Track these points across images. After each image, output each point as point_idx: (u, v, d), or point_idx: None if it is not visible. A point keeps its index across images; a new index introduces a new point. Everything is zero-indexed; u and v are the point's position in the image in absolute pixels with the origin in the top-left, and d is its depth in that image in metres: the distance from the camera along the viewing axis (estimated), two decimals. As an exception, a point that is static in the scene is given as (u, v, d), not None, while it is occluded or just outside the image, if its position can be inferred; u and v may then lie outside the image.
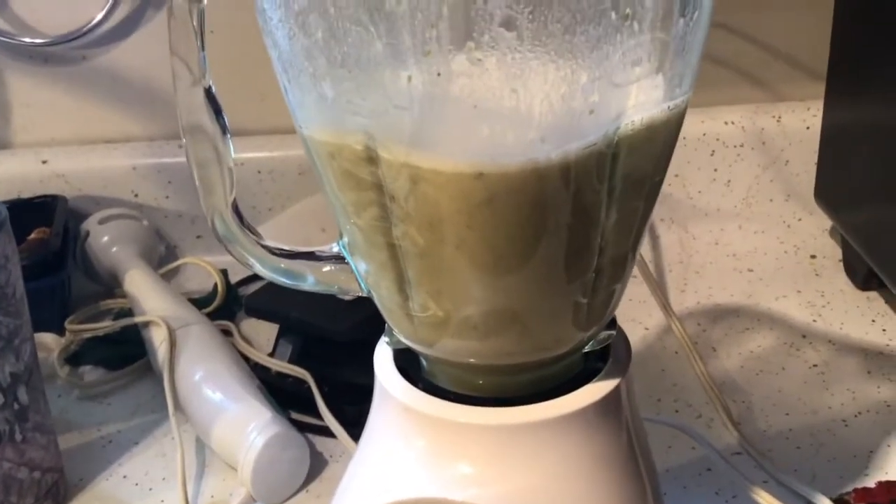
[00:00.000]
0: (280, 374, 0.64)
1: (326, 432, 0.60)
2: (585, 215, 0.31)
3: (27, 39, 0.81)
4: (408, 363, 0.39)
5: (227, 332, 0.71)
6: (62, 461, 0.57)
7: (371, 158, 0.31)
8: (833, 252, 0.79)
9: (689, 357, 0.65)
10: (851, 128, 0.71)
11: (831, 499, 0.51)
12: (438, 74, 0.29)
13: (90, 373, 0.70)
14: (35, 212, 0.78)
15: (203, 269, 0.80)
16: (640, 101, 0.30)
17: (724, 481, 0.55)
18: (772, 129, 0.82)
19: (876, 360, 0.65)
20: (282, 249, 0.38)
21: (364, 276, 0.36)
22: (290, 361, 0.64)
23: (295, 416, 0.62)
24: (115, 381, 0.68)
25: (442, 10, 0.28)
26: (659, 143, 0.32)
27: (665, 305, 0.68)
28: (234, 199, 0.37)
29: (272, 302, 0.64)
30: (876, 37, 0.65)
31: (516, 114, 0.29)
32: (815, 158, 0.78)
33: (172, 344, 0.63)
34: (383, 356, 0.39)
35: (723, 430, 0.58)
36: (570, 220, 0.31)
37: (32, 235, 0.77)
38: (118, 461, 0.60)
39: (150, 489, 0.58)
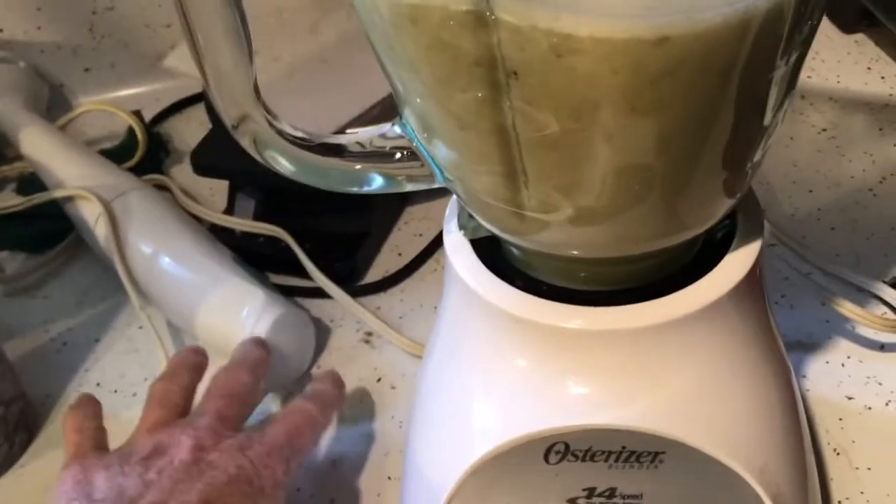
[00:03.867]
0: (247, 235, 0.55)
1: (318, 293, 0.53)
2: (765, 72, 0.23)
3: None
4: (491, 253, 0.31)
5: (161, 188, 0.61)
6: (21, 385, 0.48)
7: (481, 22, 0.22)
8: (804, -8, 0.73)
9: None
10: None
11: (886, 282, 0.48)
12: None
13: (9, 260, 0.59)
14: None
15: (105, 111, 0.67)
16: None
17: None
18: None
19: (884, 115, 0.60)
20: (318, 143, 0.28)
21: (446, 165, 0.28)
22: (256, 218, 0.55)
23: (275, 279, 0.54)
24: (43, 267, 0.58)
25: None
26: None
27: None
28: (256, 79, 0.27)
29: (226, 155, 0.53)
30: None
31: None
32: None
33: (112, 221, 0.52)
34: (460, 250, 0.31)
35: (749, 221, 0.54)
36: (750, 80, 0.23)
37: None
38: (83, 366, 0.51)
39: (135, 394, 0.50)
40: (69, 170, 0.57)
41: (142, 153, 0.62)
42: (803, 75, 0.63)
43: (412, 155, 0.28)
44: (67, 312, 0.55)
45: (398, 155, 0.28)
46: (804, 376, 0.46)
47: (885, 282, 0.49)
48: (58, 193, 0.56)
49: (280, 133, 0.28)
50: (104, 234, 0.53)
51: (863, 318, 0.45)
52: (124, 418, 0.48)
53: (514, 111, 0.23)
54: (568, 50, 0.21)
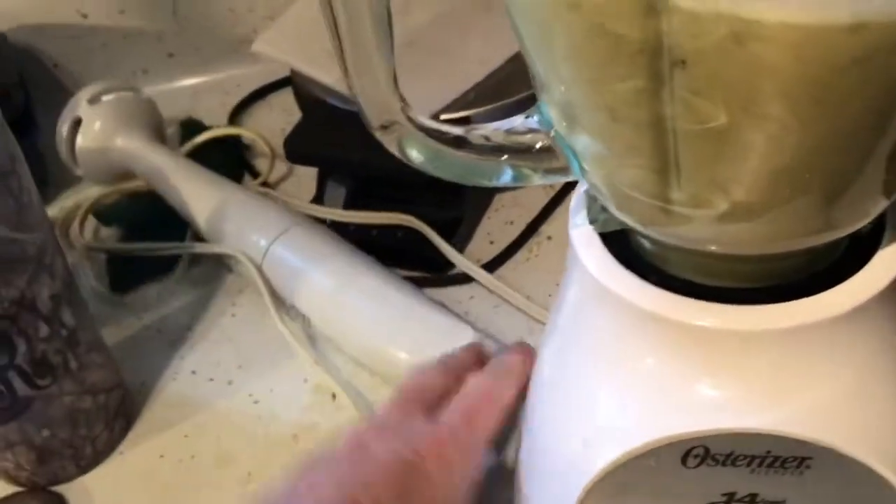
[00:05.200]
0: (384, 232, 0.53)
1: (459, 280, 0.52)
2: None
3: None
4: (621, 246, 0.30)
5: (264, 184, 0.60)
6: (121, 374, 0.48)
7: (651, 9, 0.21)
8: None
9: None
10: None
11: None
12: None
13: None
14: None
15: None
16: None
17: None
18: None
19: None
20: (446, 132, 0.27)
21: (589, 158, 0.26)
22: (346, 206, 0.54)
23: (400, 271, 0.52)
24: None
25: None
26: None
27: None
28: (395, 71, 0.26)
29: (318, 143, 0.53)
30: None
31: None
32: None
33: (265, 280, 0.51)
34: (590, 244, 0.30)
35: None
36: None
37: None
38: (178, 353, 0.52)
39: (230, 383, 0.49)
40: (220, 224, 0.53)
41: (266, 174, 0.60)
42: None
43: (544, 148, 0.27)
44: (160, 300, 0.55)
45: (537, 145, 0.27)
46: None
47: None
48: (203, 249, 0.54)
49: (413, 122, 0.27)
50: (265, 291, 0.51)
51: None
52: (221, 407, 0.48)
53: (676, 102, 0.22)
54: (752, 37, 0.20)
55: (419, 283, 0.51)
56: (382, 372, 0.47)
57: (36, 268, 0.40)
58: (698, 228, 0.26)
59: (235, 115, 0.67)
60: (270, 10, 0.68)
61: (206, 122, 0.66)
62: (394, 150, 0.28)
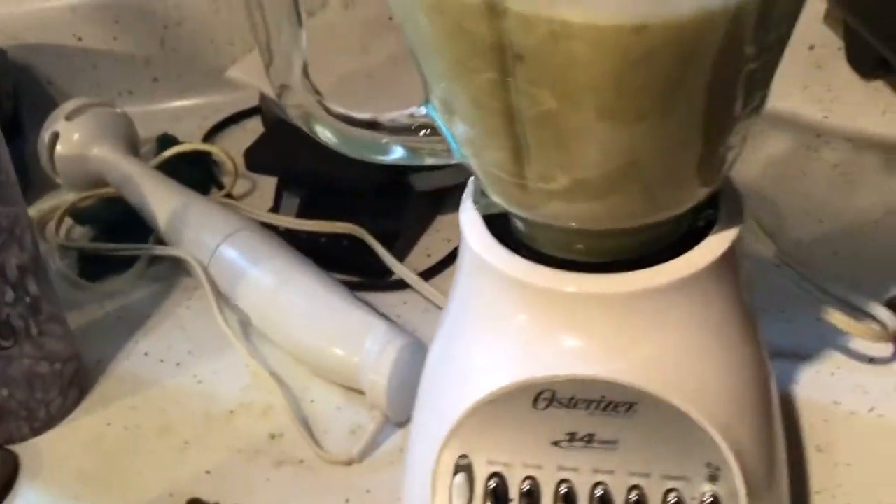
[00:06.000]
0: (332, 240, 0.58)
1: (395, 286, 0.57)
2: (738, 63, 0.28)
3: None
4: (500, 227, 0.35)
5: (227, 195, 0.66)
6: (78, 347, 0.53)
7: (493, 11, 0.26)
8: (831, 41, 0.76)
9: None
10: None
11: (882, 303, 0.51)
12: None
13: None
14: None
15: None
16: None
17: (765, 299, 0.54)
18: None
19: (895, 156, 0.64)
20: (358, 118, 0.33)
21: (463, 142, 0.32)
22: (299, 215, 0.60)
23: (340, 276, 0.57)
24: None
25: None
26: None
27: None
28: (306, 65, 0.32)
29: (276, 154, 0.58)
30: None
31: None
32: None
33: (211, 281, 0.56)
34: (473, 223, 0.35)
35: (757, 245, 0.57)
36: (724, 71, 0.27)
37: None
38: (133, 338, 0.56)
39: (178, 364, 0.54)
40: (174, 219, 0.59)
41: (231, 186, 0.65)
42: (820, 115, 0.67)
43: (434, 132, 0.33)
44: (122, 292, 0.60)
45: (423, 132, 0.33)
46: (795, 383, 0.49)
47: (879, 302, 0.52)
48: (161, 251, 0.59)
49: (326, 109, 0.33)
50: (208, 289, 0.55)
51: (854, 329, 0.48)
52: (168, 385, 0.53)
53: (519, 91, 0.28)
54: (564, 35, 0.26)
55: (359, 288, 0.56)
56: (314, 366, 0.52)
57: (7, 238, 0.45)
58: (550, 204, 0.32)
59: (210, 136, 0.73)
60: (247, 44, 0.74)
61: (183, 141, 0.71)
62: (303, 126, 0.33)
